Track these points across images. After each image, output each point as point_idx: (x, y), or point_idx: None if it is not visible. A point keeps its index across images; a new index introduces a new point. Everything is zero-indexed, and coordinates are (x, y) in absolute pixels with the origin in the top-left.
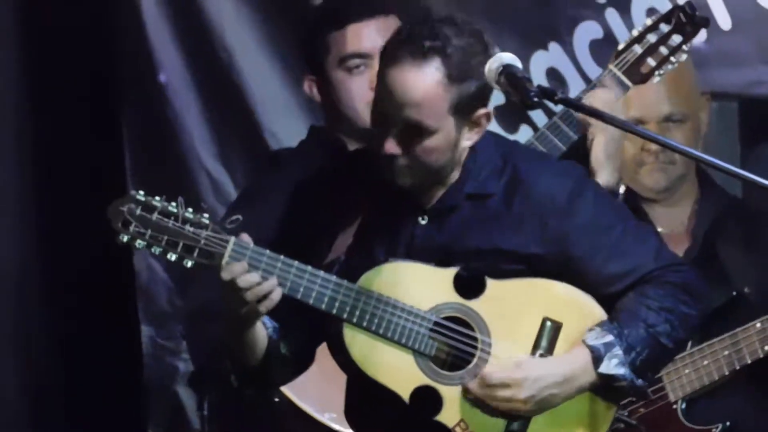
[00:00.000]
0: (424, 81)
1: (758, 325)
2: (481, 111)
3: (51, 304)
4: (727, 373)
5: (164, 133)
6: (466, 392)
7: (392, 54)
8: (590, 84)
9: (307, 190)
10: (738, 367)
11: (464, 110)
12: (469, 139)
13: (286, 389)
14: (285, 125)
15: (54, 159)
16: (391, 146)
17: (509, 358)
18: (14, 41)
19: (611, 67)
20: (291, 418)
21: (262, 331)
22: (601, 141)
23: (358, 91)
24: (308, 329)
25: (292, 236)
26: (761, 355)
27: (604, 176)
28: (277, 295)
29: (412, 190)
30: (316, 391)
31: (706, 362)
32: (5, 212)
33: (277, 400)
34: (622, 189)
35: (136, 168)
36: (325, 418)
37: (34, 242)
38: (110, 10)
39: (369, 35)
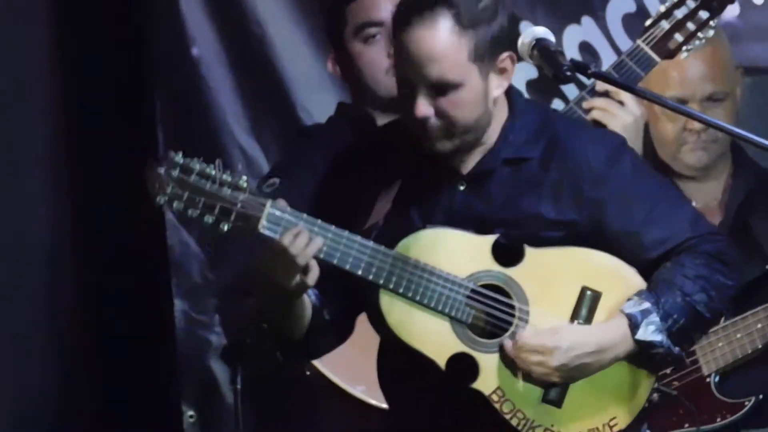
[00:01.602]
0: (437, 34)
1: None
2: (505, 55)
3: (84, 279)
4: (760, 346)
5: (197, 107)
6: (501, 351)
7: (401, 18)
8: (619, 57)
9: (345, 158)
10: None
11: (486, 56)
12: (498, 87)
13: (317, 362)
14: (318, 100)
15: (86, 134)
16: (423, 108)
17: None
18: (46, 16)
19: (639, 42)
20: (322, 391)
21: (307, 299)
22: (617, 130)
23: (376, 60)
24: (348, 296)
25: (330, 202)
26: None
27: None
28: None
29: (451, 155)
30: (348, 364)
31: (739, 335)
32: (39, 189)
33: (308, 373)
34: None
35: (169, 142)
36: (356, 391)
37: (67, 218)
38: None
39: (383, 3)
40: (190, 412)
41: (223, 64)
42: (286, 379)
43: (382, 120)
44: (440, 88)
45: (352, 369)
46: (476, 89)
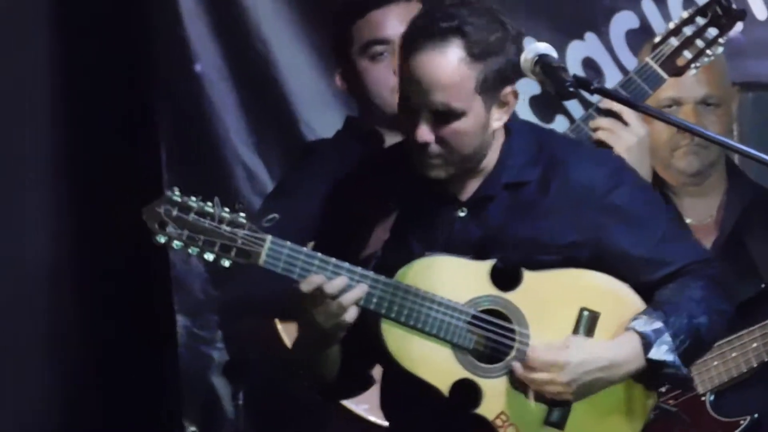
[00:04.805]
0: (448, 62)
1: None
2: (508, 89)
3: (86, 295)
4: (755, 365)
5: (200, 124)
6: (511, 375)
7: (411, 41)
8: (627, 75)
9: (344, 184)
10: (767, 360)
11: (491, 89)
12: (498, 120)
13: None
14: (321, 116)
15: (89, 151)
16: (424, 133)
17: (556, 340)
18: (49, 32)
19: (648, 59)
20: (325, 408)
21: (336, 346)
22: (621, 151)
23: (383, 78)
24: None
25: (328, 231)
26: None
27: None
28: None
29: (446, 183)
30: None
31: (734, 354)
32: (40, 204)
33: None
34: None
35: (172, 159)
36: (359, 409)
37: (69, 232)
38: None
39: (390, 21)
40: (192, 428)
41: (227, 80)
42: (288, 396)
43: (389, 137)
44: (443, 116)
45: None
46: (478, 120)
